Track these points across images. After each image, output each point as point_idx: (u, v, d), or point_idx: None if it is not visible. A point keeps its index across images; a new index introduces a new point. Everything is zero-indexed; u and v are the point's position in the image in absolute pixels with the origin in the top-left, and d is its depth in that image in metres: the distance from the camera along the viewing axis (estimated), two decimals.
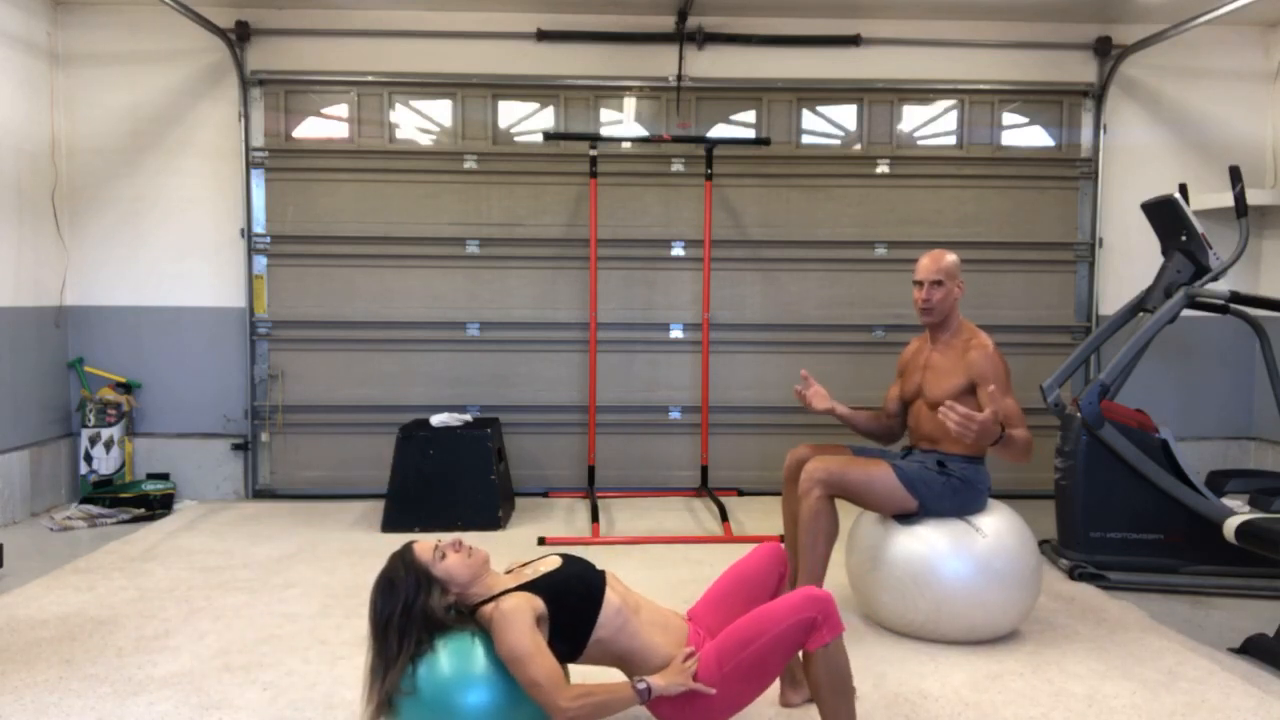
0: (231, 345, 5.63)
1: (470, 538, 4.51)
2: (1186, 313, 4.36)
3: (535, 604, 2.32)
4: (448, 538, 2.45)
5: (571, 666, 2.49)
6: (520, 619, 2.26)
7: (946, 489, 3.29)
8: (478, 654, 2.30)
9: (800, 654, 2.37)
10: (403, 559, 2.38)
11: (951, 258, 3.42)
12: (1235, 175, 4.42)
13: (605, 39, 5.61)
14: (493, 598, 2.35)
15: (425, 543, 2.42)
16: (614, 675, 2.49)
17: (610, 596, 2.42)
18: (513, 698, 2.29)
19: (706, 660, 2.35)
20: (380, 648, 2.30)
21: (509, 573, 2.52)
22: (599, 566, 2.55)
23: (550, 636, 2.33)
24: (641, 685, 2.26)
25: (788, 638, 2.31)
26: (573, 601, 2.38)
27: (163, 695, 2.89)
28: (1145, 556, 4.10)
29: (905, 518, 3.33)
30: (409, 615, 2.29)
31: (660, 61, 5.65)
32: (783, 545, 2.91)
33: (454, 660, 2.28)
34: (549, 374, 5.75)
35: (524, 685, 2.23)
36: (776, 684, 2.88)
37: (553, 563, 2.50)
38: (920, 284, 3.41)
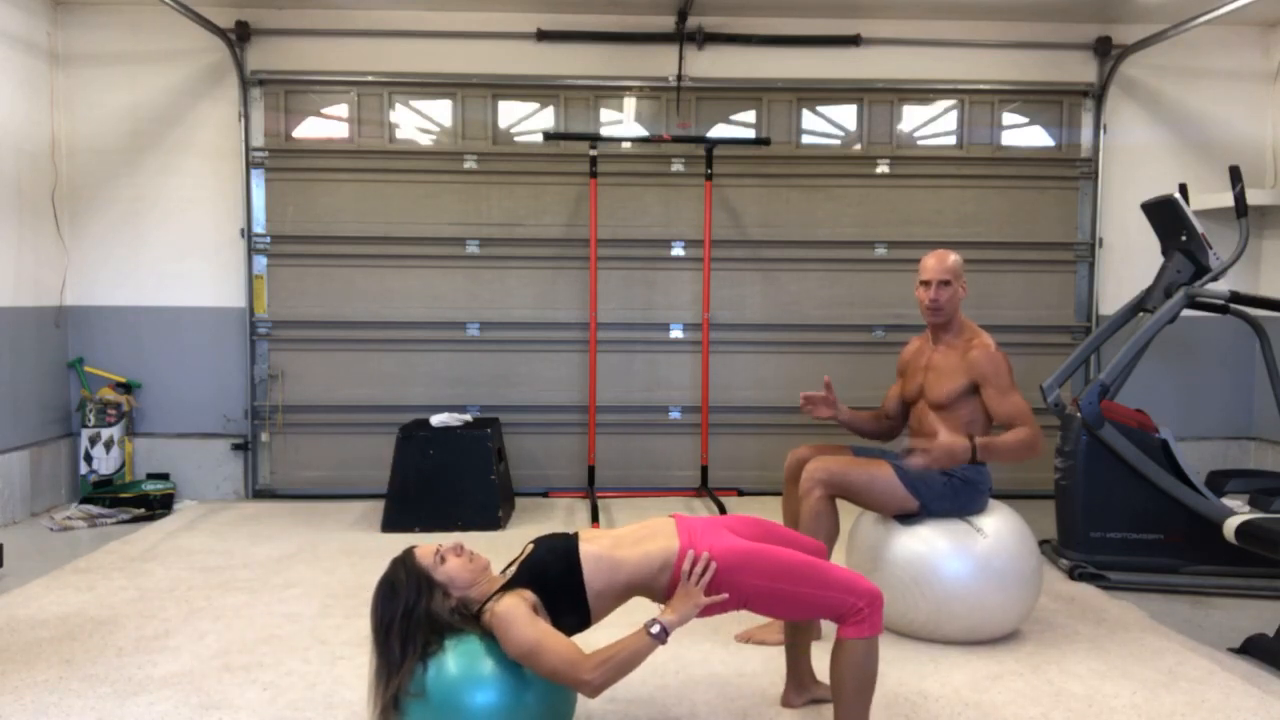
0: (231, 345, 5.63)
1: (470, 538, 4.54)
2: (1186, 313, 4.36)
3: (525, 596, 2.33)
4: (449, 542, 2.45)
5: (596, 627, 2.48)
6: (517, 615, 2.26)
7: (947, 489, 3.29)
8: (484, 654, 2.29)
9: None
10: (403, 563, 2.39)
11: (956, 257, 3.41)
12: (1235, 175, 4.42)
13: (605, 39, 5.61)
14: (486, 603, 2.35)
15: (426, 546, 2.42)
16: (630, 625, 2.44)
17: (586, 550, 2.42)
18: (518, 697, 2.28)
19: (733, 553, 2.36)
20: (383, 652, 2.29)
21: (503, 574, 2.53)
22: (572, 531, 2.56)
23: (554, 618, 2.33)
24: (655, 629, 2.23)
25: (829, 604, 2.34)
26: (554, 576, 2.39)
27: (163, 695, 2.89)
28: (1145, 556, 4.10)
29: (906, 518, 3.33)
30: (410, 619, 2.29)
31: (660, 61, 5.65)
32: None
33: (460, 662, 2.28)
34: (549, 374, 5.75)
35: (544, 675, 2.23)
36: (778, 682, 2.88)
37: (527, 550, 2.51)
38: (928, 284, 3.38)
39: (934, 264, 3.40)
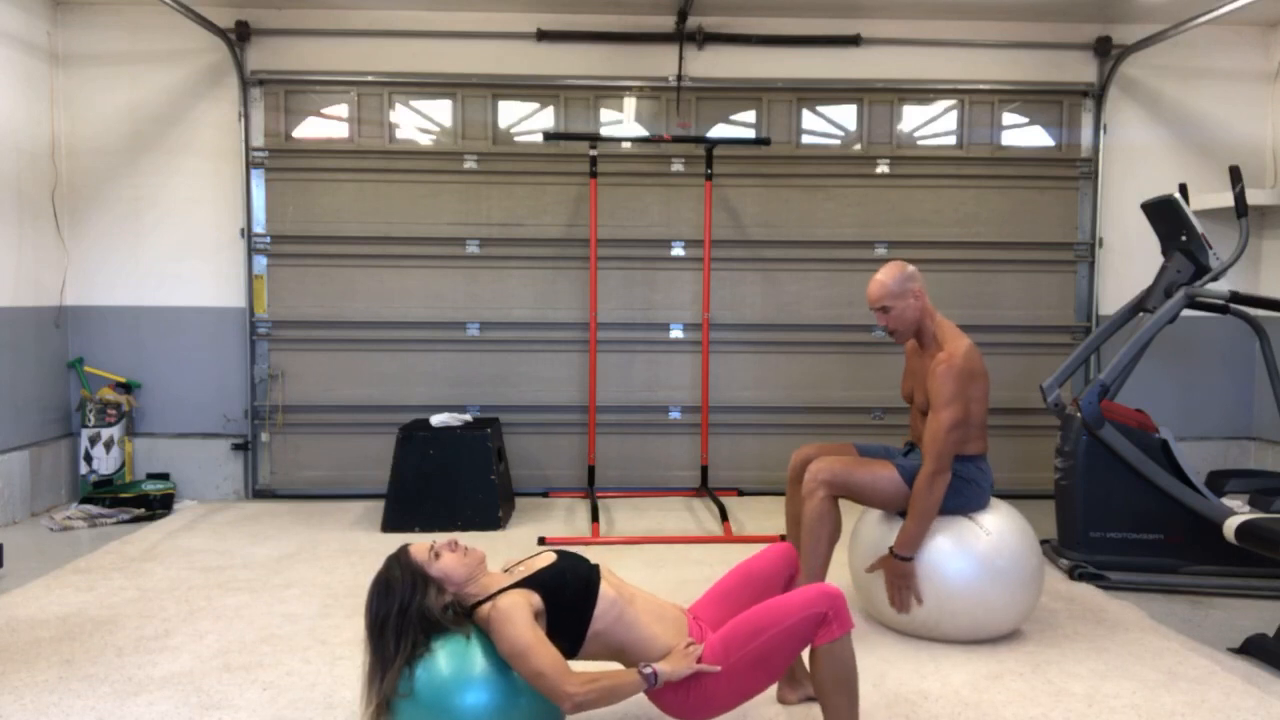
0: (231, 345, 5.63)
1: (470, 538, 4.53)
2: (1186, 313, 4.35)
3: (532, 599, 2.33)
4: (443, 538, 2.46)
5: (573, 663, 2.48)
6: (518, 614, 2.26)
7: (950, 488, 3.28)
8: (475, 655, 2.30)
9: (807, 649, 2.37)
10: (398, 560, 2.39)
11: (890, 277, 3.33)
12: (1235, 175, 4.42)
13: (605, 39, 5.61)
14: (489, 597, 2.35)
15: (420, 544, 2.43)
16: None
17: (604, 589, 2.43)
18: (510, 699, 2.28)
19: (712, 649, 2.35)
20: (377, 649, 2.30)
21: (505, 571, 2.53)
22: (593, 561, 2.55)
23: (548, 632, 2.33)
24: (647, 670, 2.26)
25: (798, 631, 2.31)
26: (568, 595, 2.39)
27: (163, 695, 2.89)
28: (1145, 556, 4.10)
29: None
30: (405, 616, 2.29)
31: (660, 61, 5.65)
32: (793, 545, 2.92)
33: (451, 662, 2.28)
34: (549, 374, 5.75)
35: (528, 678, 2.23)
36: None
37: (547, 559, 2.50)
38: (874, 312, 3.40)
39: (870, 293, 3.38)
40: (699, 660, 2.32)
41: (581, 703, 2.20)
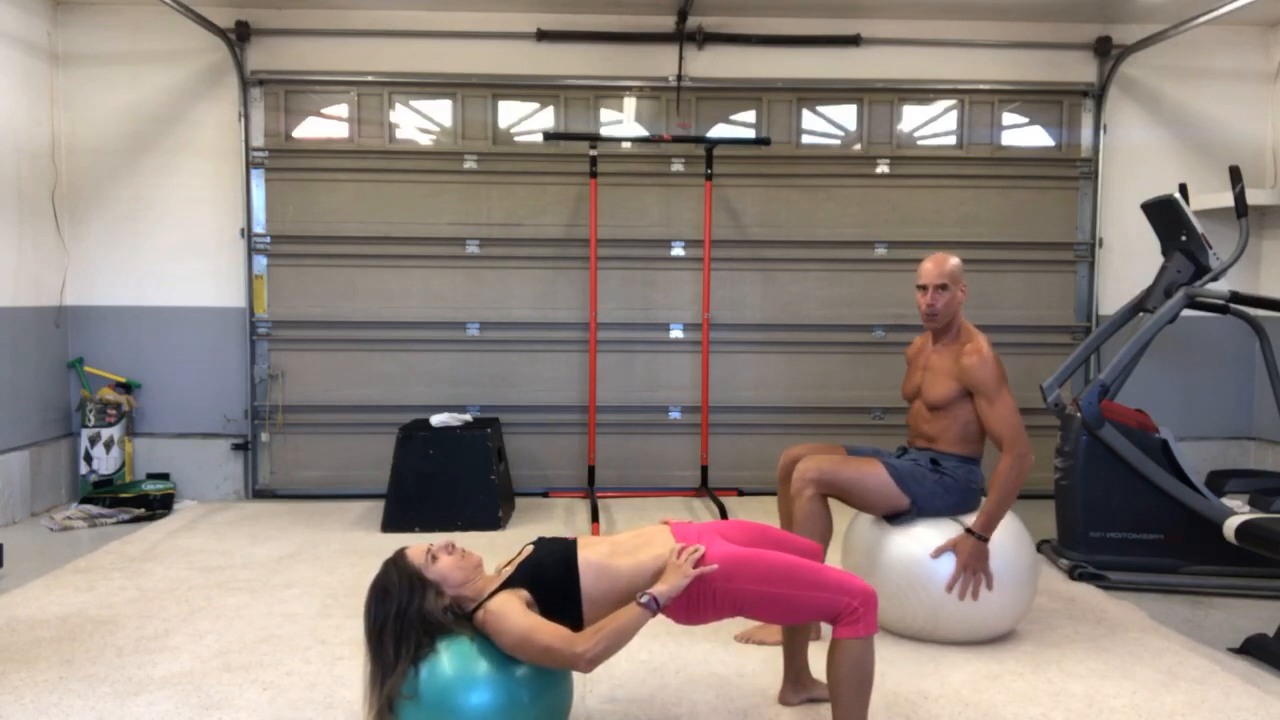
0: (231, 345, 5.63)
1: (470, 538, 4.54)
2: (1186, 313, 4.35)
3: (520, 594, 2.33)
4: (440, 540, 2.45)
5: None
6: (509, 608, 2.27)
7: (939, 487, 3.28)
8: (477, 656, 2.29)
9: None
10: (395, 564, 2.38)
11: (955, 261, 3.37)
12: (1235, 175, 4.42)
13: (605, 39, 5.62)
14: (482, 603, 2.35)
15: (417, 546, 2.42)
16: None
17: (585, 557, 2.41)
18: (513, 698, 2.28)
19: (719, 557, 2.34)
20: (377, 654, 2.29)
21: (497, 573, 2.52)
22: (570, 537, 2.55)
23: (547, 618, 2.32)
24: (644, 599, 2.24)
25: (820, 605, 2.32)
26: (550, 579, 2.38)
27: (163, 695, 2.89)
28: (1145, 556, 4.10)
29: (897, 517, 3.32)
30: (404, 620, 2.29)
31: (660, 61, 5.65)
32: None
33: (454, 663, 2.28)
34: (549, 374, 5.75)
35: (539, 658, 2.23)
36: (777, 682, 2.89)
37: (525, 552, 2.50)
38: (925, 289, 3.35)
39: (931, 268, 3.35)
40: (699, 563, 2.30)
41: (596, 656, 2.18)
